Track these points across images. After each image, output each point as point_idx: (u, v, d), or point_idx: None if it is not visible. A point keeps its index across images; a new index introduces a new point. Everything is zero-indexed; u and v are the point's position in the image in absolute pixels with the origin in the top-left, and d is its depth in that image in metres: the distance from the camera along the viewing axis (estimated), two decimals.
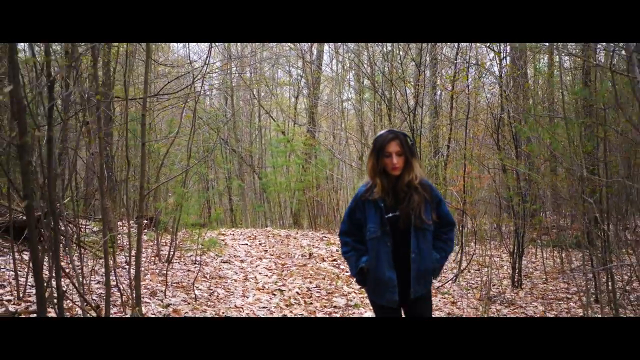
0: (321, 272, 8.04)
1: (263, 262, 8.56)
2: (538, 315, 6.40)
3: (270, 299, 6.48)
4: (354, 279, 3.31)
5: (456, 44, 10.16)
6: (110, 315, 4.21)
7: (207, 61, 7.24)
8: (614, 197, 7.57)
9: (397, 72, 11.20)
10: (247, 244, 10.14)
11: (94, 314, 4.06)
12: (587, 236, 6.41)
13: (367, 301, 5.90)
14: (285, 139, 15.73)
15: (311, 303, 6.45)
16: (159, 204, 9.01)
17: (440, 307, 6.49)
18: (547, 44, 8.28)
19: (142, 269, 5.62)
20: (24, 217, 5.81)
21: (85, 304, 3.93)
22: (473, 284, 7.99)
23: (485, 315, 6.15)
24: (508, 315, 6.36)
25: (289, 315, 5.87)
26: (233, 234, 11.34)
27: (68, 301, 4.34)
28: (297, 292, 6.84)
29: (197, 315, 5.33)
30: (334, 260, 8.94)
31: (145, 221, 8.16)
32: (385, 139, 3.07)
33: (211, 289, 6.57)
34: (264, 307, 6.08)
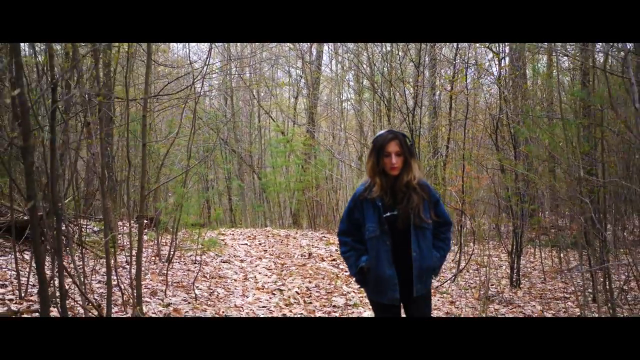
0: (320, 272, 8.08)
1: (263, 262, 8.60)
2: (536, 315, 6.45)
3: (270, 298, 6.52)
4: (354, 279, 3.34)
5: (455, 45, 10.20)
6: (112, 314, 4.25)
7: (207, 62, 7.28)
8: (613, 198, 7.62)
9: (396, 73, 11.24)
10: (246, 244, 10.17)
11: (95, 313, 4.10)
12: (585, 236, 6.45)
13: (366, 301, 5.94)
14: (285, 139, 15.76)
15: (310, 302, 6.49)
16: (159, 204, 9.04)
17: (439, 307, 6.53)
18: (545, 44, 8.32)
19: (143, 268, 5.65)
20: (25, 217, 5.85)
21: (87, 302, 3.97)
22: (472, 283, 8.03)
23: (484, 315, 6.19)
24: (506, 315, 6.40)
25: (288, 314, 5.91)
26: (233, 234, 11.37)
27: (69, 300, 4.37)
28: (296, 291, 6.88)
29: (197, 315, 5.37)
30: (334, 260, 8.98)
31: (146, 221, 8.19)
32: (385, 138, 3.11)
33: (211, 289, 6.60)
34: (263, 307, 6.12)
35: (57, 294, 3.13)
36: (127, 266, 6.40)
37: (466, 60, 10.65)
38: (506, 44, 9.55)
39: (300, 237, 11.23)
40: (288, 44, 16.53)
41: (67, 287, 3.97)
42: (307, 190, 14.61)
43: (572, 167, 5.32)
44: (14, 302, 4.58)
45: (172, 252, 7.30)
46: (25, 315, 3.99)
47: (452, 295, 7.17)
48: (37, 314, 4.04)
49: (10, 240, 6.45)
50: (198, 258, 7.81)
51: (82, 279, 4.32)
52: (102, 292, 5.16)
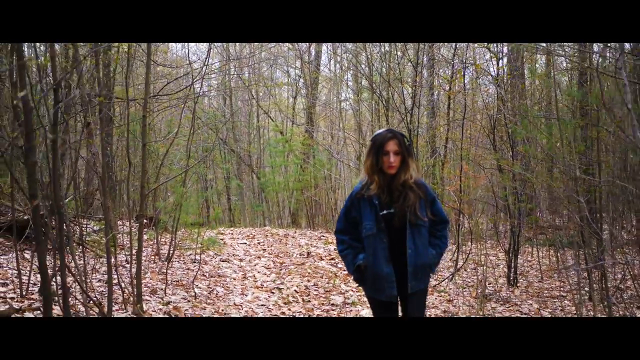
0: (319, 271, 8.13)
1: (262, 261, 8.65)
2: (533, 313, 6.50)
3: (269, 296, 6.57)
4: (351, 277, 3.39)
5: (453, 45, 10.25)
6: (112, 312, 4.30)
7: (206, 62, 7.33)
8: (611, 198, 7.67)
9: (394, 73, 11.29)
10: (245, 243, 10.22)
11: (96, 310, 4.15)
12: (581, 235, 6.51)
13: (365, 299, 5.99)
14: (284, 139, 15.81)
15: (309, 301, 6.54)
16: (159, 203, 9.09)
17: (437, 305, 6.58)
18: (543, 44, 8.38)
19: (142, 267, 5.70)
20: (25, 217, 5.90)
21: (88, 300, 4.01)
22: (469, 282, 8.08)
23: (481, 313, 6.24)
24: (503, 313, 6.45)
25: (287, 312, 5.96)
26: (232, 233, 11.42)
27: (70, 298, 4.42)
28: (295, 290, 6.94)
29: (197, 312, 5.42)
30: (332, 259, 9.03)
31: (145, 221, 8.24)
32: (385, 137, 3.15)
33: (210, 287, 6.65)
34: (262, 305, 6.17)
35: (60, 291, 3.17)
36: (127, 265, 6.45)
37: (464, 61, 10.70)
38: (504, 44, 9.60)
39: (299, 237, 11.28)
40: (287, 44, 16.57)
41: (68, 285, 4.01)
42: (306, 190, 14.66)
43: (568, 167, 5.37)
44: (15, 300, 4.62)
45: (171, 251, 7.35)
46: (27, 313, 4.04)
47: (449, 294, 7.22)
48: (38, 312, 4.09)
49: (10, 239, 6.50)
50: (197, 257, 7.86)
51: (82, 277, 4.36)
52: (102, 291, 5.21)
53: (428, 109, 13.27)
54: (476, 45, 10.57)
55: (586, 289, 6.67)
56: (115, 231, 6.46)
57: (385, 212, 3.13)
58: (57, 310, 3.95)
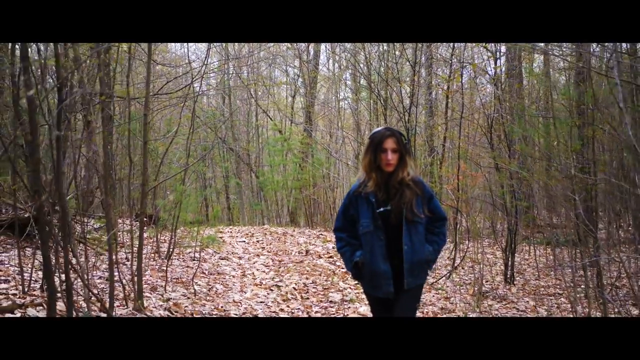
0: (317, 269, 8.19)
1: (260, 259, 8.71)
2: (529, 310, 6.57)
3: (268, 294, 6.63)
4: (350, 274, 3.44)
5: (451, 44, 10.31)
6: (114, 308, 4.36)
7: (205, 62, 7.39)
8: (609, 197, 7.73)
9: (392, 73, 11.35)
10: (244, 242, 10.28)
11: (98, 305, 4.21)
12: (577, 233, 6.58)
13: (363, 296, 6.05)
14: (282, 138, 15.86)
15: (308, 298, 6.60)
16: (159, 201, 9.14)
17: (434, 302, 6.65)
18: (541, 44, 8.44)
19: (142, 264, 5.74)
20: (26, 215, 5.95)
21: (90, 296, 4.07)
22: (466, 280, 8.15)
23: (478, 310, 6.31)
24: (500, 310, 6.52)
25: (286, 309, 6.02)
26: (231, 232, 11.49)
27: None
28: (293, 287, 7.00)
29: (196, 309, 5.48)
30: (330, 257, 9.09)
31: (145, 219, 8.30)
32: (383, 135, 3.19)
33: (210, 285, 6.71)
34: (261, 302, 6.23)
35: (64, 286, 3.23)
36: (127, 262, 6.51)
37: (461, 60, 10.77)
38: (502, 43, 9.66)
39: (298, 235, 11.34)
40: (286, 43, 16.62)
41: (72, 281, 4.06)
42: (305, 189, 14.72)
43: (563, 165, 5.43)
44: (17, 296, 4.67)
45: (171, 249, 7.41)
46: (29, 309, 4.09)
47: (447, 291, 7.28)
48: (41, 307, 4.14)
49: (11, 237, 6.56)
50: (197, 255, 7.92)
51: (85, 274, 4.42)
52: (103, 287, 5.26)
53: (426, 108, 13.34)
54: (474, 44, 10.62)
55: (582, 286, 6.74)
56: (118, 229, 6.52)
57: (382, 209, 3.16)
58: (59, 306, 4.00)
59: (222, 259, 8.42)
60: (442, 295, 7.06)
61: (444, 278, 8.00)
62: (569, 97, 7.68)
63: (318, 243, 10.40)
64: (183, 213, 8.17)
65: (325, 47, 17.54)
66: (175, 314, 5.17)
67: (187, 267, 7.39)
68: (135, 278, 4.97)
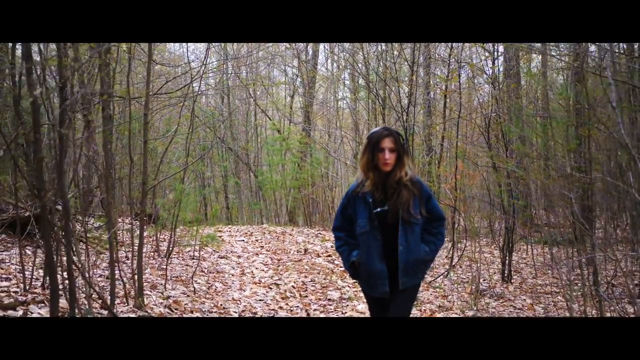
0: (316, 267, 8.25)
1: (259, 258, 8.76)
2: (526, 308, 6.63)
3: (267, 292, 6.68)
4: (348, 273, 3.47)
5: (450, 44, 10.36)
6: (115, 305, 4.41)
7: (205, 61, 7.43)
8: (606, 196, 7.79)
9: (390, 72, 11.40)
10: (243, 241, 10.33)
11: (99, 302, 4.25)
12: (573, 231, 6.63)
13: (361, 294, 6.10)
14: (281, 138, 15.90)
15: (306, 296, 6.65)
16: (158, 200, 9.19)
17: (432, 300, 6.70)
18: (538, 44, 8.49)
19: (142, 263, 5.80)
20: (27, 214, 5.99)
21: (92, 293, 4.12)
22: (464, 278, 8.21)
23: (475, 308, 6.36)
24: (497, 308, 6.57)
25: (284, 307, 6.07)
26: (230, 231, 11.53)
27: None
28: (292, 285, 7.05)
29: (196, 307, 5.53)
30: (329, 256, 9.14)
31: (145, 218, 8.34)
32: (381, 135, 3.20)
33: (209, 283, 6.76)
34: (260, 300, 6.29)
35: (66, 284, 3.28)
36: (127, 261, 6.57)
37: (460, 60, 10.82)
38: (500, 43, 9.71)
39: (296, 234, 11.39)
40: (284, 43, 16.67)
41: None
42: (303, 188, 14.77)
43: (559, 164, 5.49)
44: (19, 294, 4.72)
45: (171, 248, 7.45)
46: (31, 306, 4.14)
47: (444, 290, 7.34)
48: (42, 304, 4.19)
49: (12, 235, 6.60)
50: (196, 253, 7.97)
51: (87, 272, 4.47)
52: (103, 285, 5.31)
53: (424, 108, 13.40)
54: (471, 44, 10.68)
55: (579, 284, 6.80)
56: (118, 228, 6.57)
57: (379, 209, 3.18)
58: (61, 303, 4.05)
59: (221, 258, 8.47)
60: (440, 294, 7.12)
61: (441, 276, 8.05)
62: (566, 97, 7.74)
63: (317, 242, 10.45)
64: (182, 212, 8.22)
65: (324, 47, 17.59)
66: (175, 311, 5.22)
67: (187, 265, 7.44)
68: (136, 276, 5.02)
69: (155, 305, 5.18)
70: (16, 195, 5.36)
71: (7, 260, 5.78)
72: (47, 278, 4.57)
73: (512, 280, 8.06)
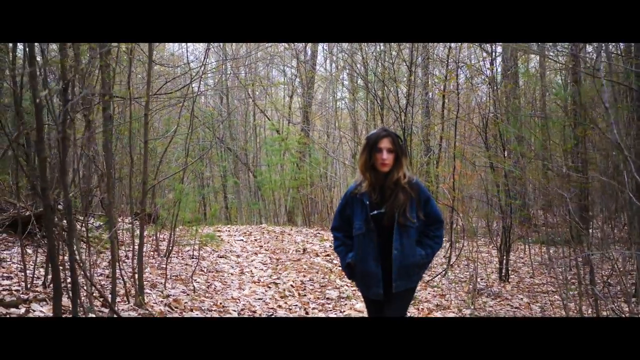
0: (315, 267, 8.30)
1: (258, 257, 8.81)
2: (523, 307, 6.68)
3: (266, 291, 6.73)
4: (344, 273, 3.50)
5: (448, 45, 10.42)
6: (115, 303, 4.46)
7: (204, 62, 7.47)
8: (603, 196, 7.84)
9: (389, 73, 11.46)
10: (242, 240, 10.38)
11: (101, 300, 4.30)
12: (570, 231, 6.69)
13: (359, 293, 6.16)
14: (280, 138, 15.95)
15: (305, 295, 6.71)
16: (158, 200, 9.23)
17: (429, 299, 6.76)
18: (537, 44, 8.54)
19: (142, 262, 5.85)
20: (27, 213, 6.04)
21: (93, 291, 4.17)
22: (462, 277, 8.26)
23: (472, 307, 6.42)
24: (494, 307, 6.63)
25: (283, 306, 6.12)
26: (229, 231, 11.57)
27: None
28: (291, 284, 7.10)
29: (195, 305, 5.58)
30: (327, 255, 9.19)
31: (145, 217, 8.39)
32: (379, 135, 3.21)
33: (209, 282, 6.81)
34: (259, 299, 6.34)
35: (69, 280, 3.33)
36: (127, 260, 6.61)
37: (458, 61, 10.88)
38: (498, 44, 9.77)
39: (295, 234, 11.43)
40: (283, 43, 16.71)
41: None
42: (302, 188, 14.82)
43: (555, 164, 5.54)
44: (20, 292, 4.77)
45: (170, 247, 7.50)
46: (33, 304, 4.19)
47: (442, 289, 7.39)
48: (44, 302, 4.24)
49: (12, 235, 6.64)
50: (195, 253, 8.01)
51: (88, 271, 4.52)
52: (104, 284, 5.36)
53: (422, 108, 13.46)
54: (469, 45, 10.74)
55: (575, 283, 6.85)
56: (117, 227, 6.61)
57: (375, 212, 3.19)
58: (63, 302, 4.09)
59: (220, 257, 8.52)
60: (438, 293, 7.17)
61: (439, 276, 8.11)
62: (563, 98, 7.80)
63: (315, 242, 10.50)
64: (182, 212, 8.26)
65: (323, 47, 17.65)
66: (175, 309, 5.27)
67: (186, 264, 7.49)
68: (136, 275, 5.06)
69: (156, 303, 5.23)
70: (18, 195, 5.40)
71: (8, 259, 5.82)
72: (49, 277, 4.62)
73: (510, 280, 8.12)
